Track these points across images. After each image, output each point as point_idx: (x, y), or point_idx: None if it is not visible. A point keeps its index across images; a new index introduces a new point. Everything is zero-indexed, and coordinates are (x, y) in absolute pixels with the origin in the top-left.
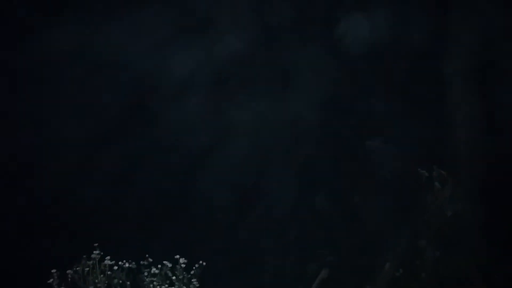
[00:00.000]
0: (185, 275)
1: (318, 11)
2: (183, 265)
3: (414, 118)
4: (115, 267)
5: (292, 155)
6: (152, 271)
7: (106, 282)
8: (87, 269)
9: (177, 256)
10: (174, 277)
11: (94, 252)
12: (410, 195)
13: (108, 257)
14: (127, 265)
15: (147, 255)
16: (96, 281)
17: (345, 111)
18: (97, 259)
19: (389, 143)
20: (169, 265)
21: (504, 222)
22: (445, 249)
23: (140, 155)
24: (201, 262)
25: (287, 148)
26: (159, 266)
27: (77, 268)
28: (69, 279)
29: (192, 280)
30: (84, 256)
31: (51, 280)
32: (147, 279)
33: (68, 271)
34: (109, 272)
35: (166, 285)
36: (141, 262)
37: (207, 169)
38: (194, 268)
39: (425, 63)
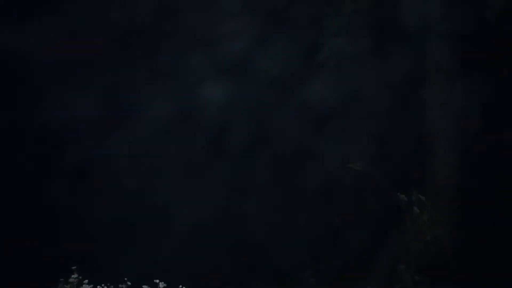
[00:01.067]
0: None
1: None
2: None
3: (393, 139)
4: None
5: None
6: None
7: None
8: None
9: (157, 280)
10: None
11: (72, 276)
12: (389, 219)
13: (86, 281)
14: None
15: (125, 279)
16: None
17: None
18: (75, 284)
19: (370, 165)
20: None
21: (483, 246)
22: (424, 273)
23: None
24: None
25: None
26: None
27: None
28: None
29: None
30: (62, 280)
31: None
32: None
33: None
34: None
35: None
36: (120, 286)
37: None
38: None
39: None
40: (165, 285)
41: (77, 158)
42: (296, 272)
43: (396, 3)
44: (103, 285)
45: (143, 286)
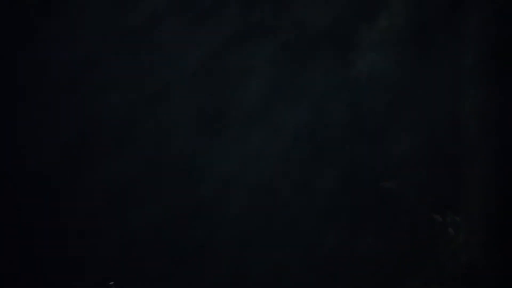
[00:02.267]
0: None
1: None
2: None
3: (427, 156)
4: None
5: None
6: None
7: None
8: None
9: None
10: None
11: None
12: (423, 240)
13: None
14: None
15: None
16: None
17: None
18: None
19: (404, 184)
20: None
21: None
22: None
23: None
24: None
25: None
26: None
27: None
28: None
29: None
30: None
31: None
32: None
33: None
34: None
35: None
36: None
37: None
38: None
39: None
40: None
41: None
42: None
43: (430, 16)
44: None
45: None
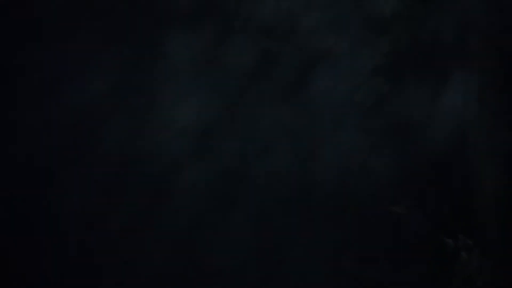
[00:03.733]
0: None
1: None
2: None
3: (437, 178)
4: None
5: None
6: None
7: None
8: None
9: None
10: None
11: None
12: (436, 265)
13: None
14: None
15: None
16: None
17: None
18: None
19: (413, 209)
20: None
21: None
22: None
23: None
24: None
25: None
26: None
27: None
28: None
29: None
30: None
31: None
32: None
33: None
34: None
35: None
36: None
37: None
38: None
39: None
40: None
41: None
42: None
43: (433, 42)
44: None
45: None
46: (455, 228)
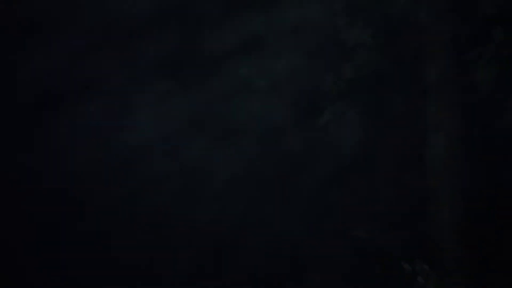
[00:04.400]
0: None
1: None
2: None
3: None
4: None
5: None
6: None
7: None
8: None
9: None
10: None
11: None
12: None
13: None
14: None
15: None
16: None
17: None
18: None
19: (374, 233)
20: None
21: None
22: None
23: None
24: None
25: None
26: None
27: None
28: None
29: None
30: None
31: None
32: None
33: None
34: None
35: None
36: None
37: None
38: None
39: None
40: None
41: None
42: None
43: (396, 69)
44: None
45: None
46: (413, 253)
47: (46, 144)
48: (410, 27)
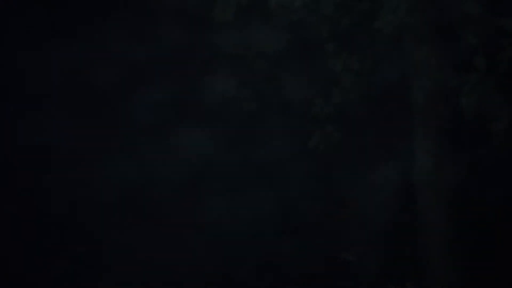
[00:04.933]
0: None
1: None
2: None
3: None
4: None
5: None
6: None
7: None
8: None
9: None
10: None
11: None
12: None
13: None
14: None
15: None
16: None
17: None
18: None
19: (363, 255)
20: None
21: None
22: None
23: None
24: None
25: None
26: None
27: None
28: None
29: None
30: None
31: None
32: None
33: None
34: None
35: None
36: None
37: None
38: None
39: None
40: None
41: None
42: None
43: (384, 93)
44: None
45: None
46: (402, 275)
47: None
48: (396, 53)
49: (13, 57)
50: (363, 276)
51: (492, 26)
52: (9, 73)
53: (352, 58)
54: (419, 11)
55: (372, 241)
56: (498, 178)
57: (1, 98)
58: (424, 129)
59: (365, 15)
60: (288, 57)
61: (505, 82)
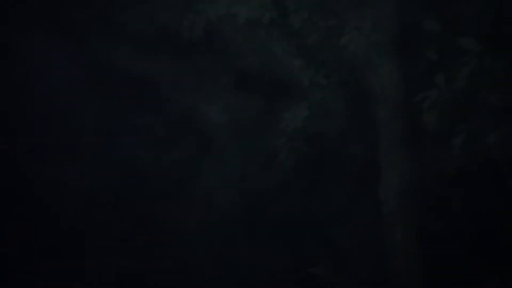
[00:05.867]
0: None
1: None
2: None
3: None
4: None
5: None
6: None
7: None
8: None
9: None
10: None
11: None
12: None
13: None
14: None
15: None
16: None
17: None
18: None
19: (332, 269)
20: None
21: None
22: None
23: None
24: None
25: None
26: None
27: None
28: None
29: None
30: None
31: None
32: None
33: None
34: None
35: None
36: None
37: None
38: None
39: None
40: None
41: None
42: None
43: (349, 107)
44: None
45: None
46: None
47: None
48: (362, 68)
49: None
50: None
51: (451, 44)
52: None
53: (319, 73)
54: (383, 28)
55: (340, 255)
56: (460, 191)
57: None
58: (389, 142)
59: (332, 31)
60: (258, 71)
61: (463, 99)
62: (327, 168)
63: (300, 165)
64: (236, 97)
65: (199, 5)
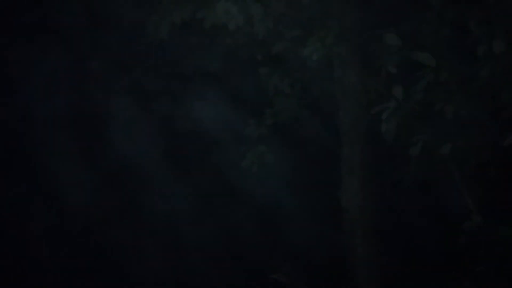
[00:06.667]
0: None
1: None
2: None
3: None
4: None
5: None
6: None
7: None
8: None
9: None
10: None
11: None
12: None
13: None
14: None
15: None
16: None
17: None
18: None
19: (295, 277)
20: None
21: None
22: None
23: None
24: None
25: None
26: None
27: None
28: None
29: None
30: None
31: None
32: None
33: None
34: None
35: None
36: None
37: None
38: None
39: None
40: None
41: None
42: None
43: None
44: None
45: None
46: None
47: None
48: (325, 78)
49: None
50: None
51: (409, 58)
52: None
53: (283, 82)
54: (346, 41)
55: (303, 262)
56: (418, 201)
57: None
58: (350, 151)
59: (296, 41)
60: (223, 78)
61: (420, 111)
62: (290, 174)
63: (262, 171)
64: (202, 103)
65: (164, 7)
